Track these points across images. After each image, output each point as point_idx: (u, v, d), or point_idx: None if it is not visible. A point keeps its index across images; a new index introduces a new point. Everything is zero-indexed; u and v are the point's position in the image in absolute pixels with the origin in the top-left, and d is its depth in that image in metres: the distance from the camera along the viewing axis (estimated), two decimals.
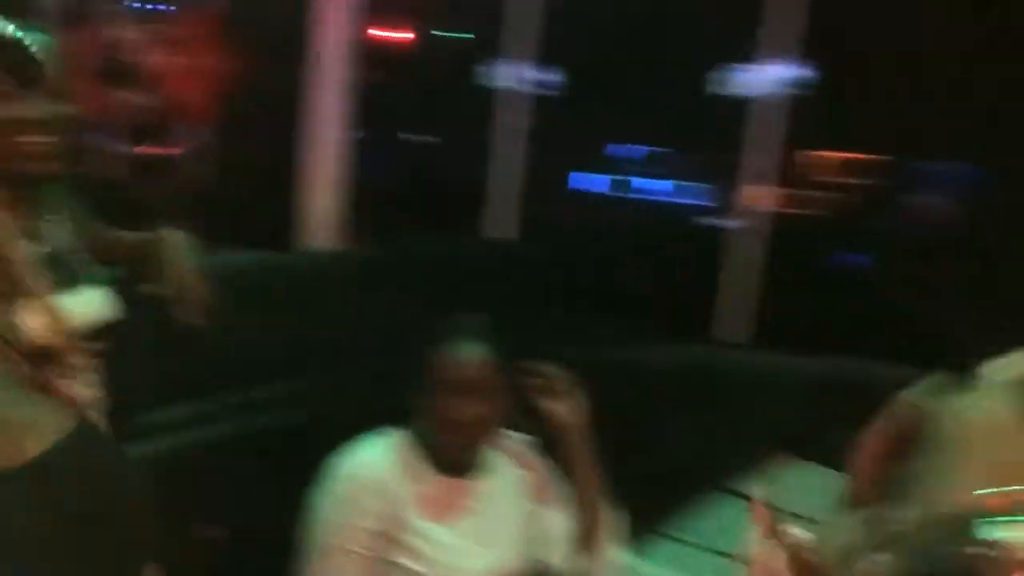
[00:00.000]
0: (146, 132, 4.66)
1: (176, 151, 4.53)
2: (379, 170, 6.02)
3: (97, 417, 1.25)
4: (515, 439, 1.65)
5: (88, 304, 1.26)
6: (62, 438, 0.67)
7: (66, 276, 1.25)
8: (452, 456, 1.48)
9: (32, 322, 1.13)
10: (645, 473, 2.15)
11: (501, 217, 3.34)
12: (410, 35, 5.35)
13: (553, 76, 4.48)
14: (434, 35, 5.25)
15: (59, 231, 1.29)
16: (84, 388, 1.21)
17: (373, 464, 1.45)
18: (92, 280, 1.30)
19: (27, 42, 1.14)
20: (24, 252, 1.17)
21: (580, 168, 5.22)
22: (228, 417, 1.65)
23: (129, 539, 0.70)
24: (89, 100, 4.52)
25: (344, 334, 1.84)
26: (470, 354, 1.47)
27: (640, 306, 2.85)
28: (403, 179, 5.46)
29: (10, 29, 1.14)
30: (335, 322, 1.86)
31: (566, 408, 1.58)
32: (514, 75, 4.27)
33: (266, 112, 4.51)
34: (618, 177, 5.11)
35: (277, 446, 1.60)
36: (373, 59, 5.31)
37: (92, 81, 4.36)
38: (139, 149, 4.66)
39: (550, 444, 1.61)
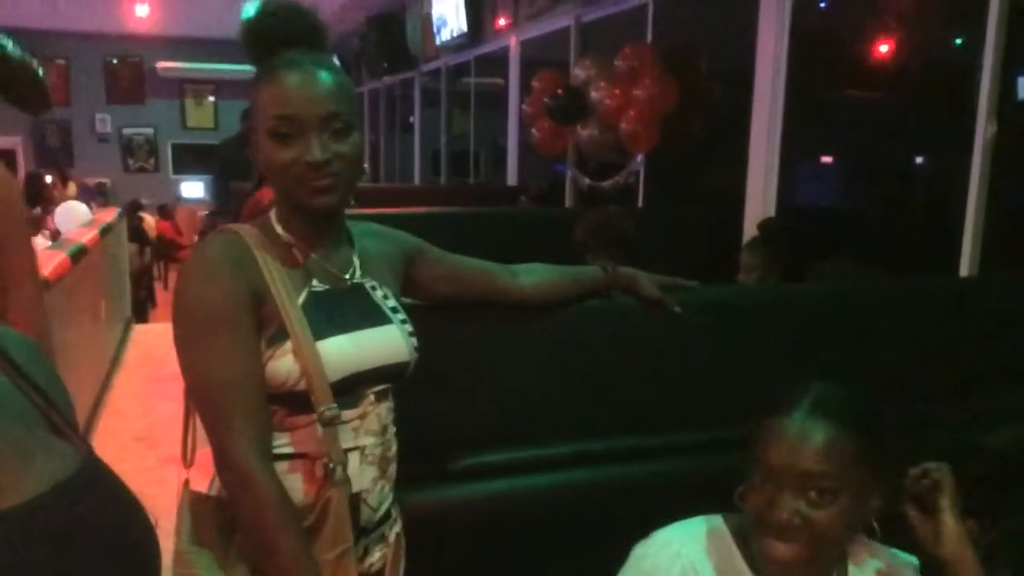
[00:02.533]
0: (605, 166, 4.89)
1: (628, 181, 4.63)
2: (844, 196, 5.47)
3: (373, 464, 1.20)
4: (892, 558, 1.18)
5: (378, 344, 1.23)
6: (57, 483, 0.58)
7: (361, 314, 1.21)
8: (776, 569, 1.10)
9: (291, 366, 1.11)
10: None
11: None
12: (888, 45, 4.75)
13: None
14: (918, 43, 4.55)
15: (366, 264, 1.27)
16: (352, 435, 1.18)
17: (686, 563, 1.14)
18: (392, 317, 1.25)
19: None
20: (293, 293, 1.14)
21: None
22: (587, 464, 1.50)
23: None
24: (550, 137, 4.90)
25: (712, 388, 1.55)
26: (812, 434, 1.06)
27: None
28: (867, 206, 4.84)
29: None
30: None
31: (936, 530, 1.08)
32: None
33: (712, 140, 4.38)
34: None
35: (614, 501, 1.39)
36: (849, 74, 4.85)
37: (551, 119, 4.69)
38: (595, 182, 4.90)
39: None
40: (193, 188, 12.16)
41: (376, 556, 1.24)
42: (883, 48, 4.84)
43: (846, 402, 1.11)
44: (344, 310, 1.19)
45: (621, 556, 1.19)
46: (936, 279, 2.51)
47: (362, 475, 1.18)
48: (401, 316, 1.26)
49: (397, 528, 1.29)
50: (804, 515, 1.05)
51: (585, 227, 2.79)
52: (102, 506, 0.61)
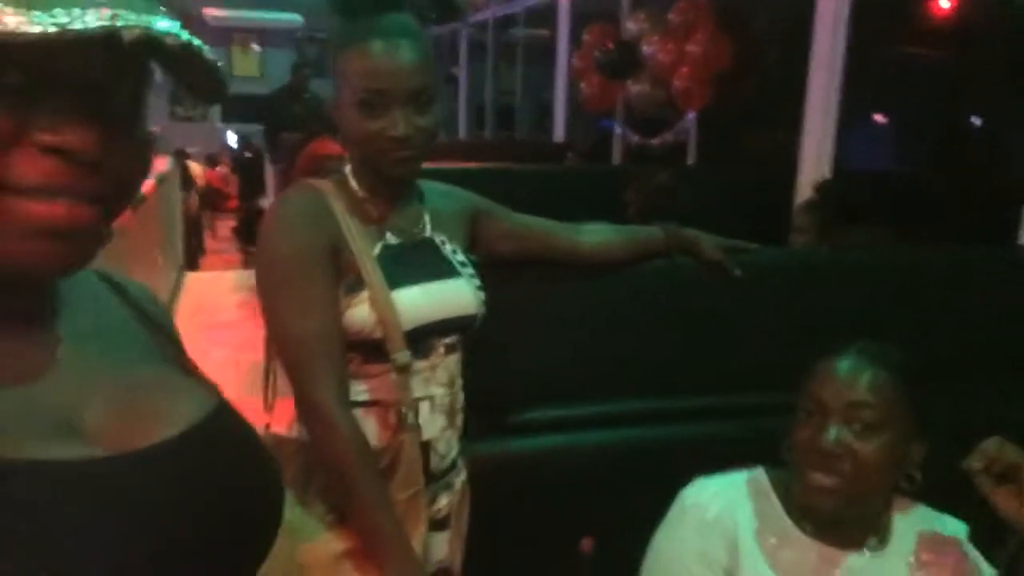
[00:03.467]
0: (654, 122, 4.83)
1: (678, 139, 4.58)
2: (902, 157, 5.35)
3: (442, 414, 1.25)
4: (939, 522, 1.19)
5: (448, 296, 1.24)
6: (195, 423, 0.60)
7: (432, 267, 1.25)
8: (817, 505, 1.12)
9: (367, 315, 1.16)
10: None
11: None
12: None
13: None
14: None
15: (436, 220, 1.29)
16: (423, 385, 1.21)
17: (724, 504, 1.18)
18: (461, 271, 1.27)
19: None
20: (369, 246, 1.19)
21: None
22: (631, 422, 1.53)
23: (248, 541, 0.62)
24: (599, 92, 4.85)
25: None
26: (860, 372, 1.12)
27: None
28: (926, 169, 4.73)
29: None
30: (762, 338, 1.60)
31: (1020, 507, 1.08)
32: None
33: (767, 99, 4.29)
34: None
35: (672, 458, 1.42)
36: (907, 30, 4.71)
37: (601, 74, 4.64)
38: (646, 139, 4.85)
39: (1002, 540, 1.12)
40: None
41: (443, 503, 1.30)
42: (944, 3, 4.68)
43: (892, 352, 1.16)
44: (416, 263, 1.23)
45: None
46: (997, 248, 2.47)
47: (432, 423, 1.24)
48: (470, 270, 1.30)
49: (463, 477, 1.34)
50: (847, 444, 1.09)
51: (637, 193, 2.78)
52: (238, 451, 0.63)
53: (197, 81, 0.55)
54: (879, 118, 5.41)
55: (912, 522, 1.19)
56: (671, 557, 1.20)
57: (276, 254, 1.17)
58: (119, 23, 0.46)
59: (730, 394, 1.52)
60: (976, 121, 4.99)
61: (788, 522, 1.17)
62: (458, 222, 1.35)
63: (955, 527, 1.21)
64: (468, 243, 1.37)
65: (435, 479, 1.27)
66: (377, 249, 1.20)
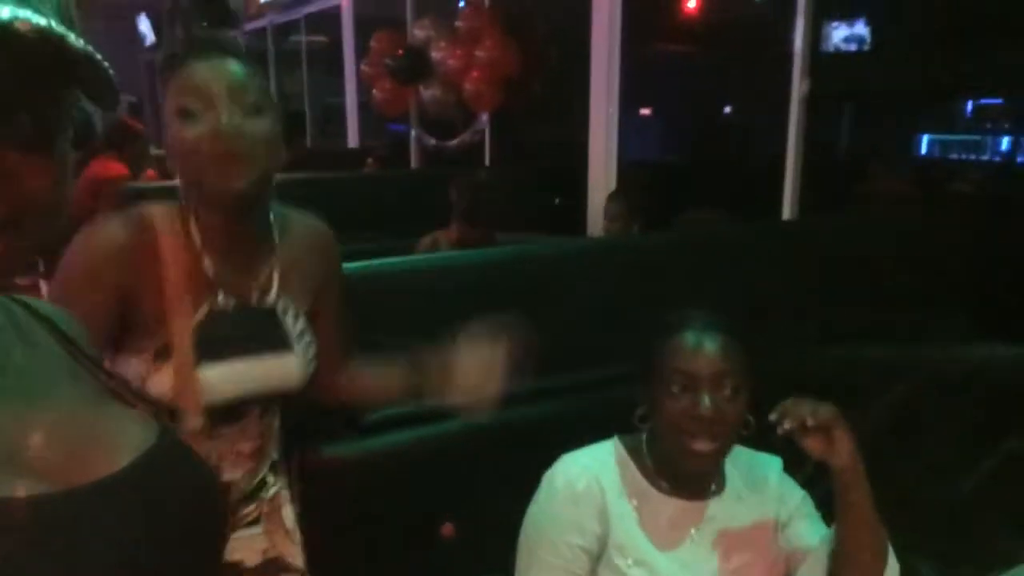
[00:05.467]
0: (445, 126, 4.95)
1: (474, 140, 4.72)
2: (670, 147, 5.85)
3: (249, 459, 1.18)
4: (757, 459, 1.37)
5: (270, 372, 1.14)
6: (145, 450, 0.59)
7: (261, 337, 1.13)
8: (695, 468, 1.26)
9: (169, 386, 1.05)
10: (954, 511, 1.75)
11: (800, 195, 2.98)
12: None
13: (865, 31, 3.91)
14: None
15: (285, 273, 1.16)
16: (229, 443, 1.14)
17: (591, 476, 1.29)
18: (295, 343, 1.16)
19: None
20: (191, 312, 1.07)
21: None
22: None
23: (201, 558, 0.62)
24: (392, 98, 4.90)
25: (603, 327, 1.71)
26: (708, 343, 1.25)
27: (970, 296, 2.34)
28: (695, 156, 5.21)
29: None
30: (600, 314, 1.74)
31: (830, 447, 1.26)
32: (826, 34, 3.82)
33: (552, 98, 4.54)
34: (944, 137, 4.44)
35: (517, 441, 1.51)
36: (662, 29, 5.14)
37: (393, 79, 4.70)
38: (442, 142, 4.95)
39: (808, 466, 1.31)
40: None
41: (250, 508, 1.21)
42: (691, 3, 5.14)
43: (723, 320, 1.31)
44: (242, 333, 1.12)
45: (527, 491, 1.32)
46: (768, 222, 2.81)
47: (234, 470, 1.17)
48: (307, 339, 1.18)
49: (275, 489, 1.25)
50: (721, 409, 1.22)
51: (462, 190, 2.81)
52: (187, 472, 0.62)
53: (95, 90, 0.53)
54: (645, 112, 5.87)
55: (736, 463, 1.36)
56: (547, 531, 1.28)
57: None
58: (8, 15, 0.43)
59: (567, 373, 1.64)
60: (729, 110, 5.56)
61: (645, 483, 1.30)
62: (312, 280, 1.21)
63: (770, 461, 1.38)
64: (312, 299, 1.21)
65: (238, 502, 1.20)
66: (201, 314, 1.08)
